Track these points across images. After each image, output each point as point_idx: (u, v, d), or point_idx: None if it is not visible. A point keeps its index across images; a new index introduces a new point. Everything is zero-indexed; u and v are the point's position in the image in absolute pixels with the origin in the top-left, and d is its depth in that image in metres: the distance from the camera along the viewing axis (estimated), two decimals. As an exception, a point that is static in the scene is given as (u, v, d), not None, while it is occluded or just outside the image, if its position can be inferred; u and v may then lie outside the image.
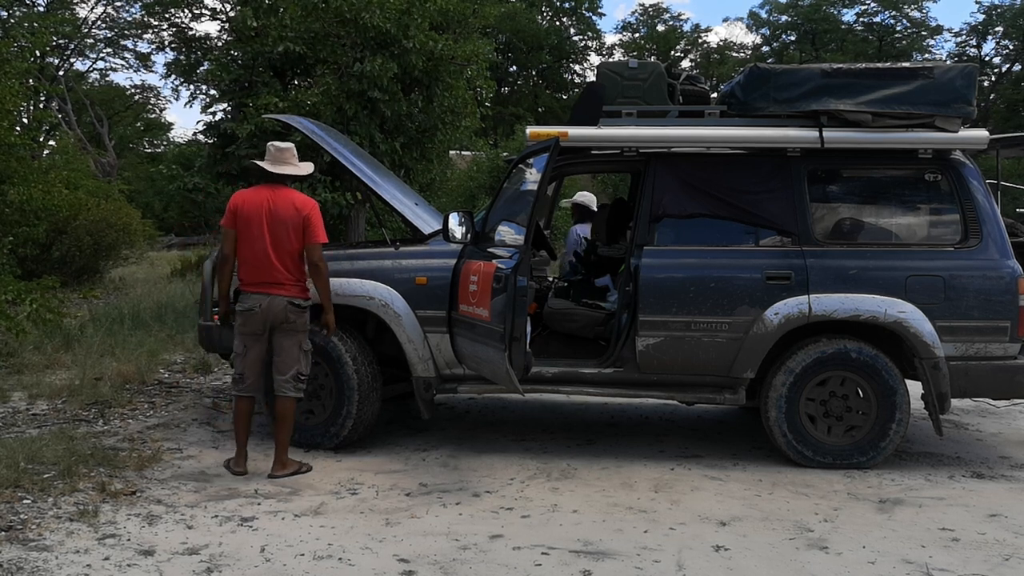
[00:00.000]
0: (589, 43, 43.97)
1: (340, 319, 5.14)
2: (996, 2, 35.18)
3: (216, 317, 4.98)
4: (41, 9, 24.02)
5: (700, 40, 46.08)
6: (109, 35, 26.77)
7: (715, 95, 5.72)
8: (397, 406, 6.13)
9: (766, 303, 4.77)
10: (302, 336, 4.68)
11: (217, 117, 11.24)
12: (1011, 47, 36.56)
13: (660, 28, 45.45)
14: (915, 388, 4.83)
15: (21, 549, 3.52)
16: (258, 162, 4.77)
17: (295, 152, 4.77)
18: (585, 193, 7.51)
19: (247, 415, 4.70)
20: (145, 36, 23.73)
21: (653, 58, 38.57)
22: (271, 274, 4.57)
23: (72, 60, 26.50)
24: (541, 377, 4.97)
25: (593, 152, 5.16)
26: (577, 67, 43.75)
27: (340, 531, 3.83)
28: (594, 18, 42.86)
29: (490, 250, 4.79)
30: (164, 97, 38.13)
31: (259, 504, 4.18)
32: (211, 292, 5.36)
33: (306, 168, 4.83)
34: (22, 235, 9.31)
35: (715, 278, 4.83)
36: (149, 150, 36.98)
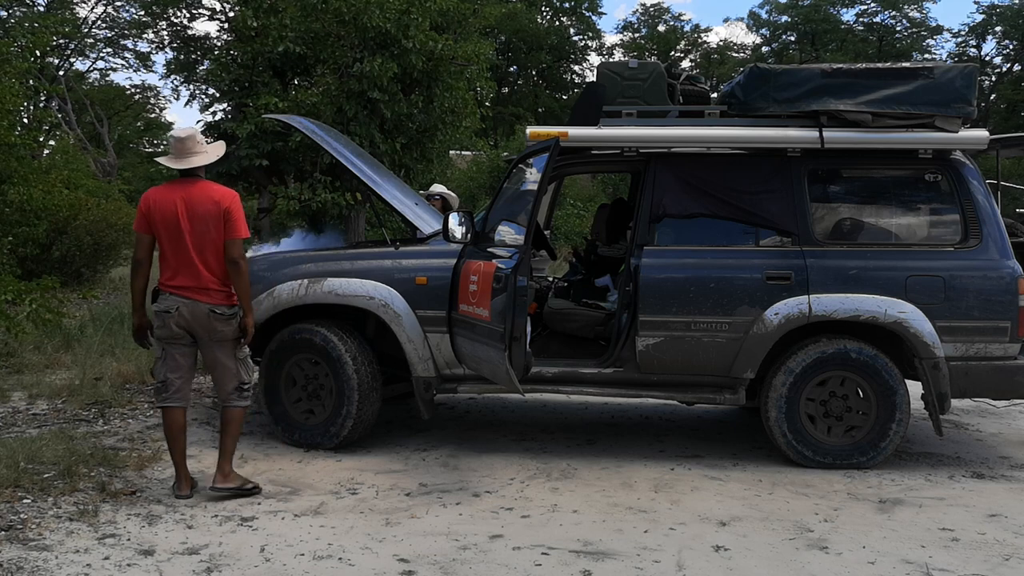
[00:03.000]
0: (589, 43, 43.96)
1: (340, 318, 5.15)
2: (996, 2, 35.17)
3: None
4: (41, 9, 24.02)
5: (700, 40, 46.07)
6: (109, 35, 26.77)
7: (715, 95, 5.72)
8: (397, 406, 6.13)
9: (766, 303, 4.77)
10: (234, 344, 4.28)
11: (217, 117, 11.27)
12: (1011, 47, 36.56)
13: (660, 28, 45.43)
14: (915, 388, 4.83)
15: (21, 549, 3.52)
16: (160, 159, 4.43)
17: (199, 138, 4.28)
18: (442, 185, 7.89)
19: (179, 428, 4.26)
20: (145, 36, 23.73)
21: (653, 58, 38.50)
22: (194, 278, 4.15)
23: (72, 60, 26.48)
24: (541, 377, 4.97)
25: (593, 152, 5.17)
26: (577, 67, 43.75)
27: (340, 531, 3.83)
28: (594, 18, 42.85)
29: (490, 250, 4.79)
30: (164, 97, 38.17)
31: (259, 504, 4.18)
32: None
33: (216, 151, 4.36)
34: (22, 235, 9.30)
35: (715, 278, 4.83)
36: (149, 150, 36.97)
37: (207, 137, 5.07)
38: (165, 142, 36.90)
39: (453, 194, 7.62)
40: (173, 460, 4.28)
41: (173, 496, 4.23)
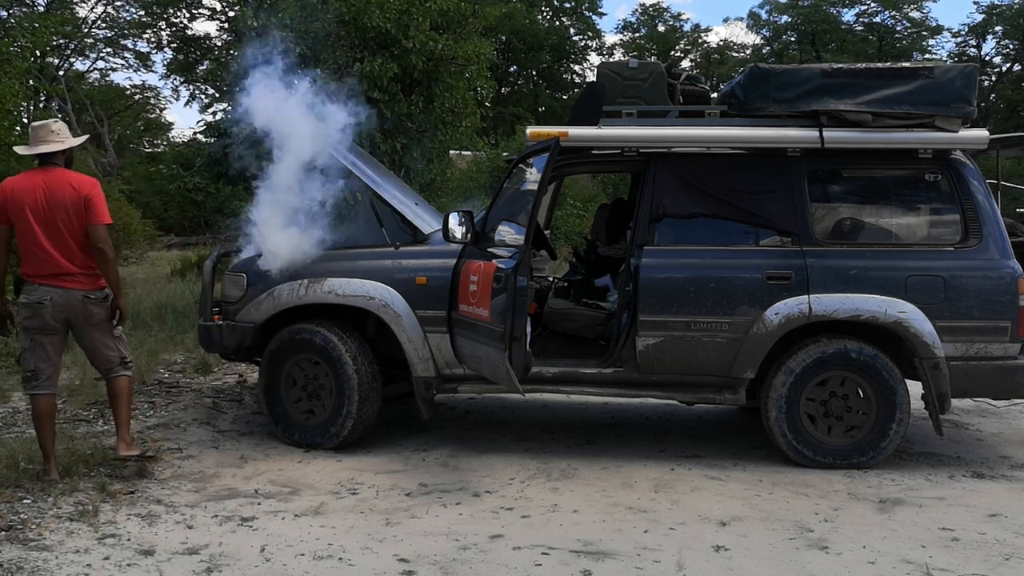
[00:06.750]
0: (589, 43, 43.89)
1: (340, 318, 5.14)
2: (996, 2, 35.16)
3: (217, 318, 4.80)
4: (41, 9, 24.01)
5: (700, 40, 46.01)
6: (109, 35, 26.76)
7: (715, 95, 5.72)
8: (397, 406, 6.13)
9: (766, 303, 4.77)
10: (109, 324, 4.42)
11: (217, 117, 11.26)
12: (1011, 47, 36.55)
13: (660, 28, 45.39)
14: (915, 388, 4.83)
15: (21, 549, 3.52)
16: (16, 148, 4.47)
17: (55, 128, 4.34)
18: None
19: (50, 415, 4.33)
20: (144, 36, 23.73)
21: (653, 58, 38.45)
22: (58, 265, 4.20)
23: (72, 60, 26.48)
24: (541, 377, 4.97)
25: (593, 152, 5.16)
26: (577, 67, 43.67)
27: (340, 531, 3.83)
28: (594, 18, 42.79)
29: (490, 250, 4.79)
30: (164, 97, 38.15)
31: (259, 504, 4.18)
32: (211, 292, 5.36)
33: (72, 140, 4.43)
34: (22, 235, 9.29)
35: (715, 278, 4.83)
36: (149, 150, 36.96)
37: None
38: (164, 142, 36.93)
39: None
40: (42, 446, 4.31)
41: (42, 481, 4.23)
